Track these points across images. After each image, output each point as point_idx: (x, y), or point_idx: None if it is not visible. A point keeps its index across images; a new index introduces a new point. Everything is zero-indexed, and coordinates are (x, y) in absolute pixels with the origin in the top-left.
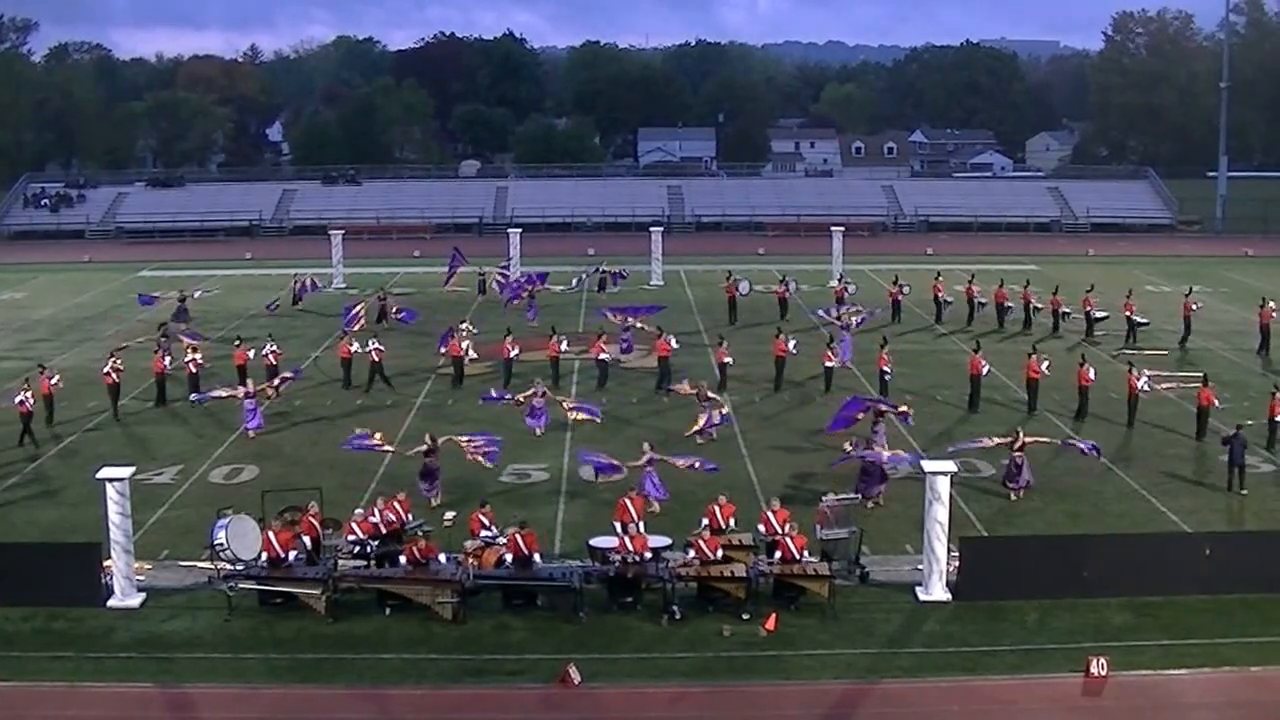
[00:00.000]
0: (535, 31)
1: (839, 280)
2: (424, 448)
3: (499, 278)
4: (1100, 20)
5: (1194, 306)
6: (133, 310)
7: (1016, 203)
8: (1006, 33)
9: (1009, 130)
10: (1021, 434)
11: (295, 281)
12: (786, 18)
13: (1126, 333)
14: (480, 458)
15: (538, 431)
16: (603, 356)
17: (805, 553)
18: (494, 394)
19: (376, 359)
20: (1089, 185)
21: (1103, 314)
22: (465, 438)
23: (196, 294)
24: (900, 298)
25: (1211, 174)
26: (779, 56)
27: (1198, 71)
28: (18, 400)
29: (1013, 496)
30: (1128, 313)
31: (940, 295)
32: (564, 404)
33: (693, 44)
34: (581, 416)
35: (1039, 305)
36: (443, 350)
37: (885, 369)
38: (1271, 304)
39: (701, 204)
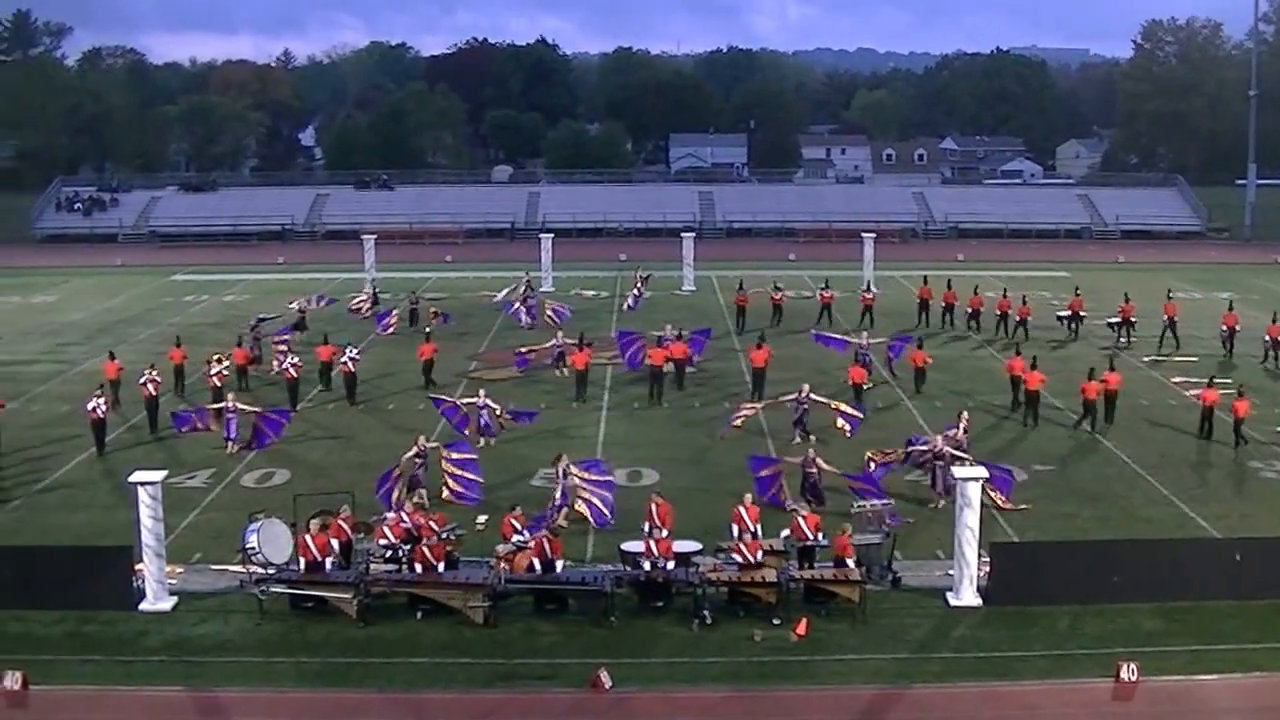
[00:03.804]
0: (566, 37)
1: (866, 287)
2: (414, 452)
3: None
4: (1130, 28)
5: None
6: (166, 314)
7: (1046, 210)
8: (1036, 40)
9: (1039, 137)
10: (940, 441)
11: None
12: (817, 25)
13: (1150, 338)
14: (455, 499)
15: (482, 443)
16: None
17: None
18: (442, 401)
19: (351, 368)
20: (1118, 192)
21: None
22: (452, 461)
23: (318, 303)
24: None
25: (1240, 181)
26: (809, 63)
27: (1227, 79)
28: (90, 407)
29: (939, 504)
30: (1123, 315)
31: (953, 303)
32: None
33: (724, 50)
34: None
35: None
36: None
37: (863, 384)
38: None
39: (732, 210)
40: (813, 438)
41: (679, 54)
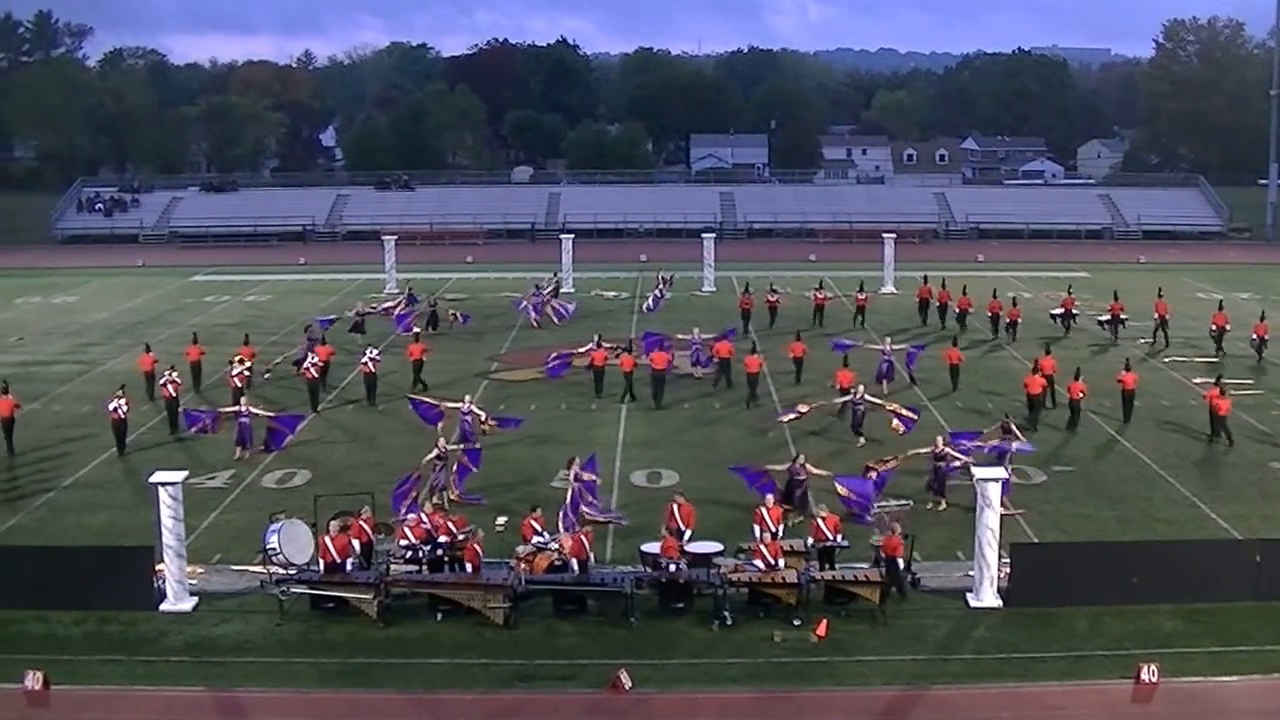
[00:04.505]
0: (587, 38)
1: (860, 288)
2: (434, 454)
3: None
4: (1151, 28)
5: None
6: (187, 314)
7: (1067, 210)
8: (1057, 40)
9: (1060, 137)
10: (940, 442)
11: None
12: (837, 25)
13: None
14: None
15: (461, 448)
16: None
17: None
18: (425, 405)
19: (372, 369)
20: (1140, 192)
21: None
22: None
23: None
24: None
25: (1262, 181)
26: (830, 63)
27: (1248, 79)
28: (111, 408)
29: (942, 505)
30: (1113, 313)
31: (946, 303)
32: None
33: (744, 51)
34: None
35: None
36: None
37: (849, 387)
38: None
39: (753, 210)
40: (862, 439)
41: (700, 54)
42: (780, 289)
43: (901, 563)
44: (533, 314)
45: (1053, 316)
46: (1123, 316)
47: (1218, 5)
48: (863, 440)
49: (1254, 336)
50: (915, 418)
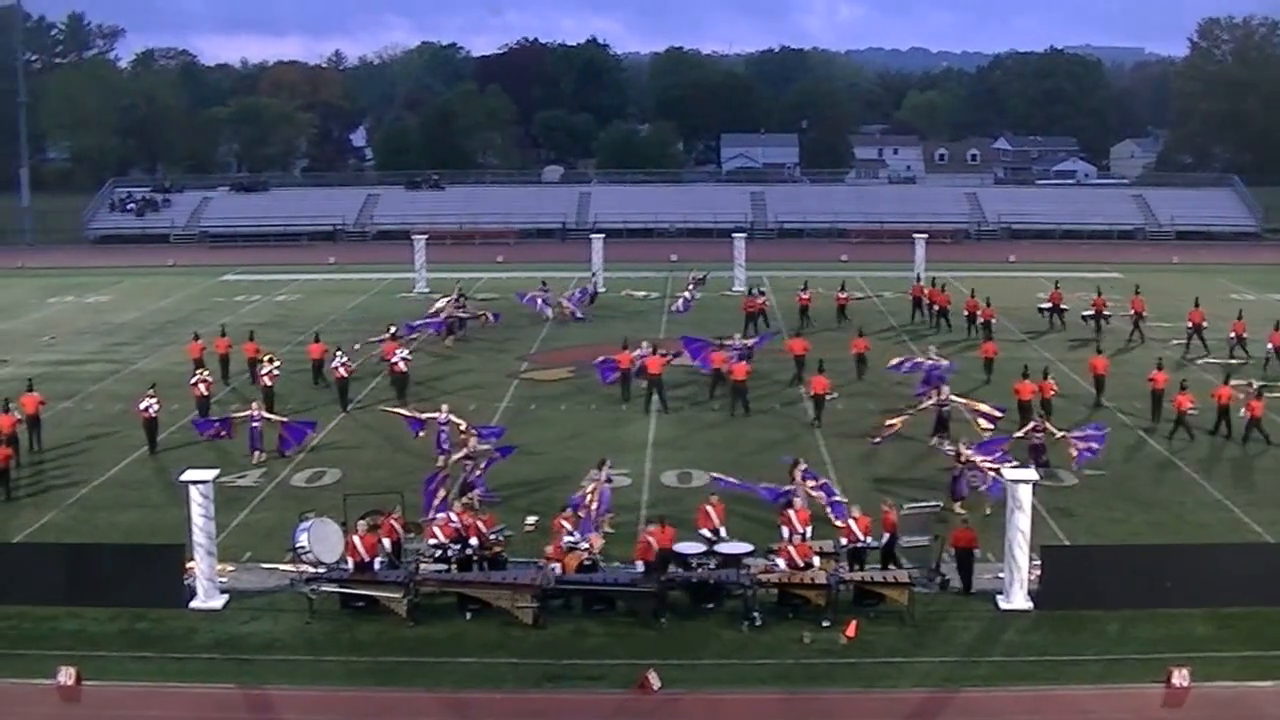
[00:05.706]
0: (617, 38)
1: (841, 288)
2: (463, 454)
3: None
4: (1186, 27)
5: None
6: (218, 314)
7: (1100, 210)
8: (1090, 39)
9: (1093, 137)
10: (960, 447)
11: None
12: (868, 24)
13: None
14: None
15: (441, 460)
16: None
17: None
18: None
19: (403, 369)
20: (1173, 193)
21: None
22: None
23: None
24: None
25: None
26: (861, 63)
27: None
28: (143, 407)
29: (959, 510)
30: (1097, 309)
31: (937, 301)
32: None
33: (775, 50)
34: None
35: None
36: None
37: (825, 394)
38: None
39: (784, 210)
40: (946, 443)
41: (730, 54)
42: (766, 290)
43: (978, 553)
44: (540, 305)
45: (1040, 310)
46: (1105, 313)
47: (1254, 4)
48: (945, 442)
49: (1232, 335)
50: (1000, 414)
